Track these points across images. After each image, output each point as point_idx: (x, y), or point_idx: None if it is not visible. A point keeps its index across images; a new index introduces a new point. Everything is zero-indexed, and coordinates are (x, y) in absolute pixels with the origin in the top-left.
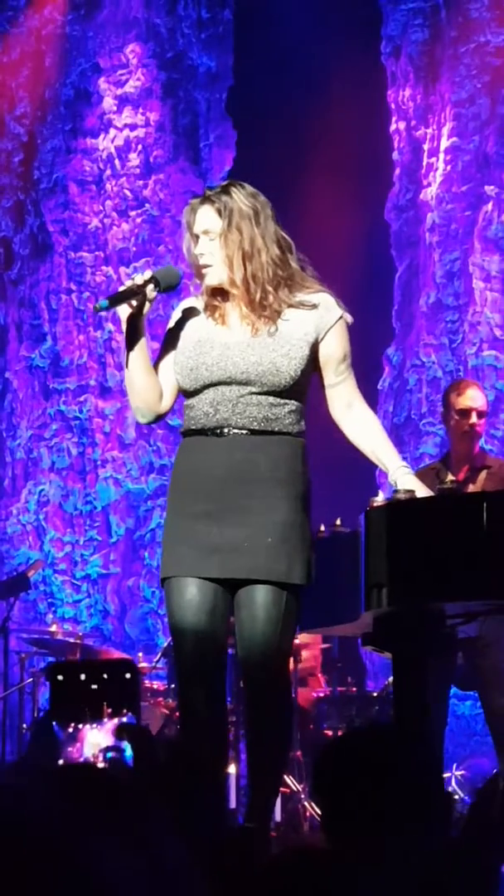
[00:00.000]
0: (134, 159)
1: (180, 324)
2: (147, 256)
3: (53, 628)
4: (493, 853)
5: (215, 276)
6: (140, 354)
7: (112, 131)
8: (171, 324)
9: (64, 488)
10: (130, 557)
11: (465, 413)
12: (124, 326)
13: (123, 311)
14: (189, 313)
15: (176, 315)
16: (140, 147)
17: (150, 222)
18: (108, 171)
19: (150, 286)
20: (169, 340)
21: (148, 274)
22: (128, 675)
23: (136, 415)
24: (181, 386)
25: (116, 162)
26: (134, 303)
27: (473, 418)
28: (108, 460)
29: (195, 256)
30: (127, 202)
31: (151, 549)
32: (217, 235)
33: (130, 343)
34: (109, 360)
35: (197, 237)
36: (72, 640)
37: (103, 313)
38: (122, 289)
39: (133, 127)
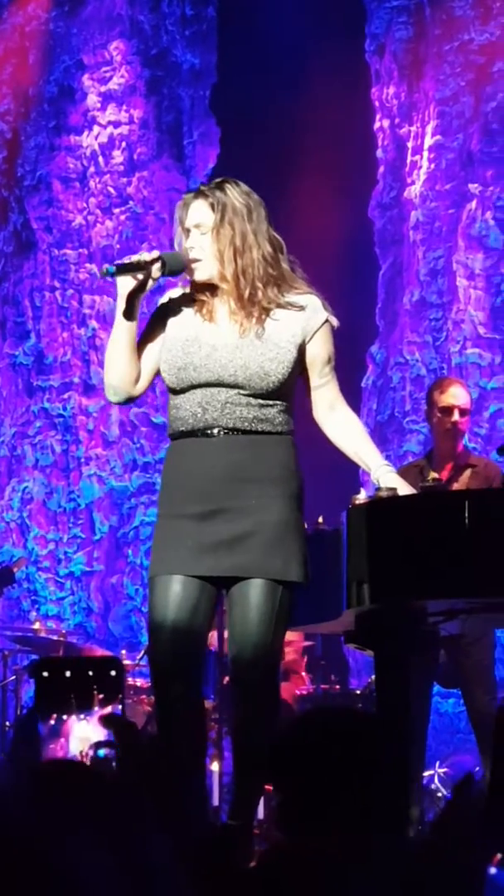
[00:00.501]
0: (118, 156)
1: (166, 313)
2: (131, 254)
3: (37, 626)
4: (470, 852)
5: (205, 270)
6: (128, 332)
7: (96, 128)
8: (157, 311)
9: (48, 486)
10: (114, 555)
11: (448, 411)
12: (121, 300)
13: (125, 283)
14: (176, 304)
15: (163, 301)
16: (124, 144)
17: (133, 219)
18: (92, 169)
19: (157, 265)
20: (153, 328)
21: (156, 254)
22: (113, 673)
23: (107, 392)
24: (167, 384)
25: (100, 159)
26: (139, 277)
27: (456, 416)
28: (92, 458)
29: (186, 250)
30: (111, 199)
31: (135, 547)
32: (209, 230)
33: (120, 319)
34: (93, 357)
35: (188, 231)
36: (55, 637)
37: (109, 279)
38: (129, 260)
39: (117, 124)
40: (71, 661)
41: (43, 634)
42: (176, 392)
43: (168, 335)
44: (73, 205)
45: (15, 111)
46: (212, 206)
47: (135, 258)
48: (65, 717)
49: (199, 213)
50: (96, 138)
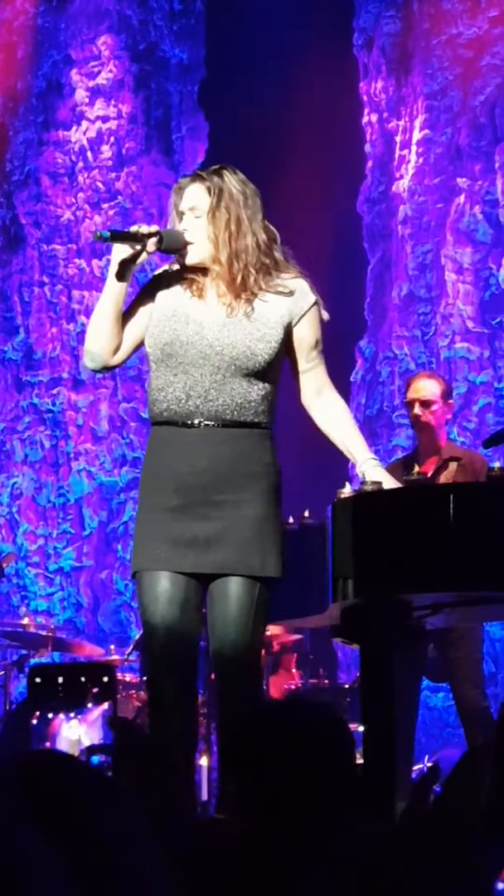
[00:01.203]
0: (106, 151)
1: (155, 289)
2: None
3: (26, 621)
4: (433, 846)
5: (196, 253)
6: (116, 300)
7: (84, 123)
8: (147, 285)
9: (37, 481)
10: (103, 550)
11: (410, 405)
12: (114, 267)
13: (120, 251)
14: (166, 280)
15: (153, 277)
16: (112, 139)
17: (122, 214)
18: (81, 164)
19: (154, 240)
20: (140, 301)
21: (155, 228)
22: (105, 679)
23: (85, 358)
24: (151, 357)
25: (89, 154)
26: (137, 247)
27: (416, 409)
28: (81, 453)
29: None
30: (99, 194)
31: (125, 542)
32: (203, 213)
33: (111, 286)
34: (82, 352)
35: (181, 216)
36: (44, 632)
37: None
38: (127, 230)
39: (105, 119)
40: (64, 667)
41: (32, 630)
42: (158, 366)
43: (156, 310)
44: (61, 200)
45: (3, 106)
46: (208, 189)
47: (133, 228)
48: (57, 715)
49: (194, 196)
50: (84, 133)
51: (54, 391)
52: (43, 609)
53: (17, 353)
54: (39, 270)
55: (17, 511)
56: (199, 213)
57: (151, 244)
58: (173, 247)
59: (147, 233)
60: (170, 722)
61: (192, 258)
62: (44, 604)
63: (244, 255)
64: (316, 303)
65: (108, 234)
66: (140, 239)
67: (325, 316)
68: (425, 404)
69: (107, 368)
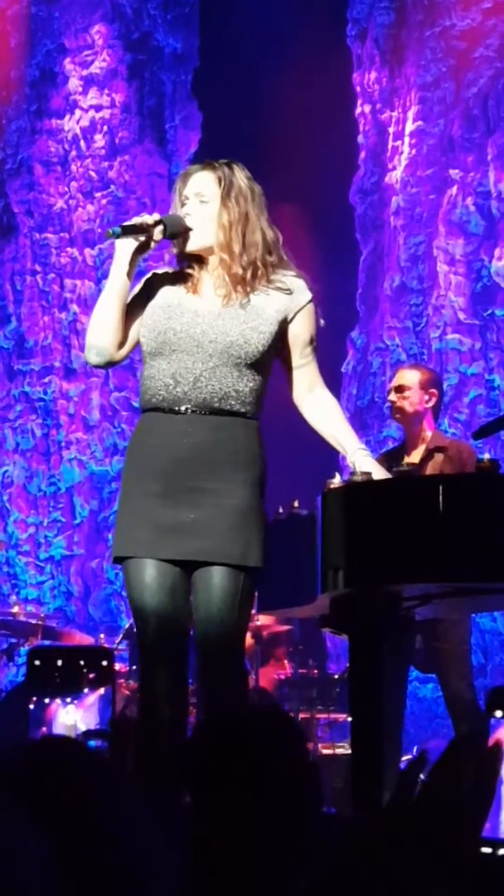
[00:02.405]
0: (99, 140)
1: (152, 284)
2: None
3: (16, 609)
4: (417, 835)
5: (200, 238)
6: (121, 294)
7: (77, 112)
8: (141, 284)
9: (28, 469)
10: (94, 539)
11: (388, 393)
12: (124, 259)
13: (125, 245)
14: (162, 276)
15: (147, 276)
16: (105, 128)
17: (115, 203)
18: (74, 153)
19: (159, 228)
20: (139, 297)
21: (157, 216)
22: (104, 663)
23: (89, 353)
24: (144, 348)
25: (82, 143)
26: (141, 238)
27: (392, 396)
28: (73, 442)
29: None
30: (92, 183)
31: None
32: (211, 199)
33: (115, 280)
34: (74, 341)
35: (185, 200)
36: (34, 621)
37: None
38: (133, 222)
39: (98, 108)
40: (63, 651)
41: (22, 618)
42: (152, 357)
43: (151, 302)
44: (54, 189)
45: None
46: (219, 179)
47: (137, 220)
48: (49, 701)
49: (202, 182)
50: (78, 122)
51: (46, 380)
52: (33, 597)
53: (8, 341)
54: (32, 259)
55: (8, 499)
56: (205, 199)
57: (158, 232)
58: (177, 231)
59: (152, 222)
60: (161, 709)
61: (195, 242)
62: (34, 592)
63: (253, 250)
64: (311, 300)
65: (120, 229)
66: (146, 230)
67: (321, 322)
68: (399, 389)
69: (112, 363)
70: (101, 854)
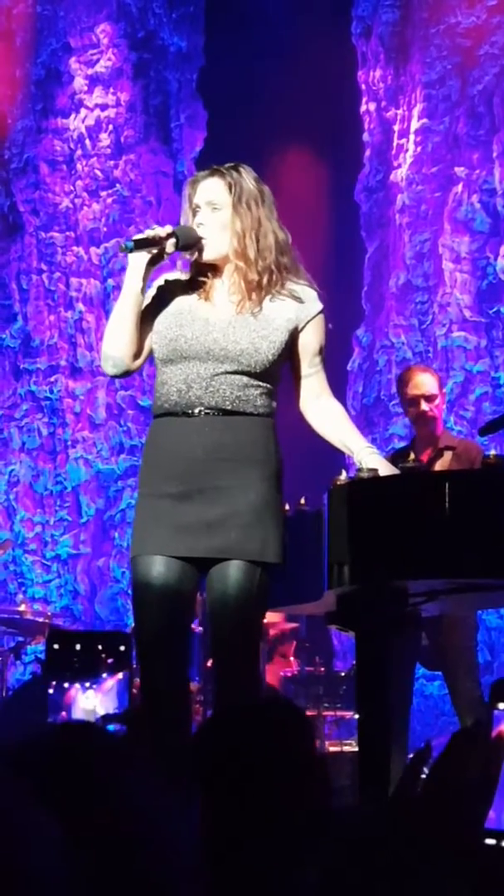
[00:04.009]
0: (105, 139)
1: (162, 292)
2: (118, 237)
3: (23, 608)
4: (422, 827)
5: (215, 247)
6: (135, 305)
7: (83, 111)
8: (153, 291)
9: (34, 468)
10: (101, 538)
11: (414, 402)
12: (137, 272)
13: (139, 258)
14: (174, 283)
15: (158, 283)
16: (111, 127)
17: (120, 202)
18: (79, 151)
19: (171, 241)
20: (150, 307)
21: (169, 228)
22: (122, 648)
23: (105, 364)
24: (157, 355)
25: (87, 142)
26: (153, 251)
27: (423, 405)
28: (79, 440)
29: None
30: (98, 182)
31: (122, 530)
32: (223, 207)
33: (130, 291)
34: (80, 340)
35: (196, 209)
36: (41, 619)
37: (129, 254)
38: (144, 235)
39: (104, 107)
40: (80, 634)
41: (29, 617)
42: (164, 364)
43: (163, 311)
44: (59, 188)
45: (2, 94)
46: (229, 186)
47: (150, 233)
48: (68, 686)
49: (213, 190)
50: (83, 121)
51: (52, 379)
52: (40, 596)
53: (14, 340)
54: (37, 258)
55: (15, 498)
56: (217, 207)
57: (170, 245)
58: (189, 242)
59: (164, 235)
60: (162, 707)
61: (211, 252)
62: (41, 591)
63: (267, 254)
64: (322, 310)
65: (132, 243)
66: (159, 242)
67: (328, 326)
68: (430, 399)
69: (128, 372)
70: (122, 834)
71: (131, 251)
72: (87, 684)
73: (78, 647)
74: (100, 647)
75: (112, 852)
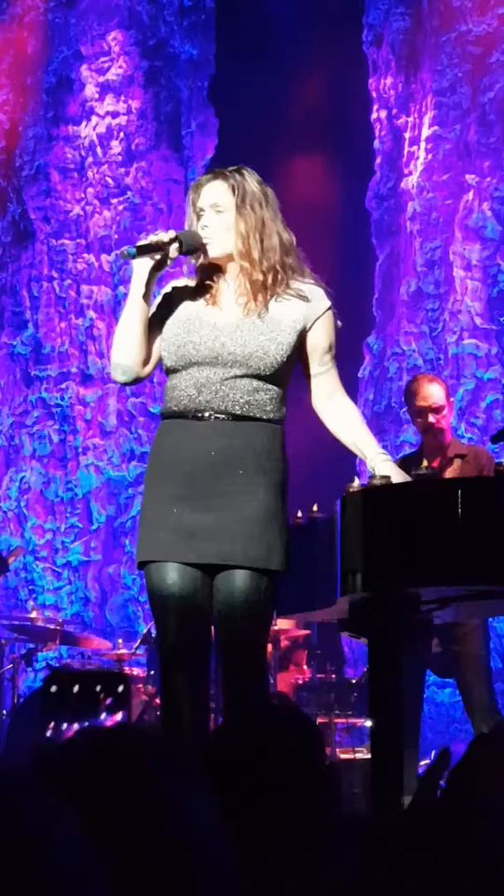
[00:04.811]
0: (116, 147)
1: (169, 299)
2: (129, 244)
3: (34, 615)
4: (441, 835)
5: (218, 247)
6: (142, 312)
7: (94, 119)
8: (160, 298)
9: (45, 475)
10: (111, 544)
11: (422, 413)
12: (142, 279)
13: (143, 264)
14: (181, 289)
15: (165, 290)
16: (122, 135)
17: (131, 210)
18: (90, 159)
19: (174, 245)
20: (157, 314)
21: (172, 233)
22: (120, 689)
23: (115, 372)
24: (166, 363)
25: (98, 149)
26: (157, 257)
27: (430, 418)
28: (90, 447)
29: (198, 231)
30: (108, 190)
31: (132, 537)
32: (227, 209)
33: (136, 298)
34: (91, 347)
35: (199, 213)
36: (52, 626)
37: (132, 260)
38: (147, 241)
39: (115, 114)
40: (78, 675)
41: (40, 624)
42: (173, 371)
43: (171, 317)
44: (70, 195)
45: (13, 101)
46: (232, 188)
47: (153, 238)
48: (66, 727)
49: (216, 192)
50: (94, 129)
51: (63, 386)
52: (51, 603)
53: (25, 347)
54: (48, 265)
55: (26, 505)
56: (220, 209)
57: (173, 250)
58: (193, 247)
59: (167, 240)
60: (182, 714)
61: (213, 252)
62: (52, 598)
63: (272, 255)
64: (330, 308)
65: (135, 250)
66: (162, 247)
67: (338, 324)
68: (437, 411)
69: (138, 380)
70: (161, 836)
71: (133, 257)
72: (86, 725)
73: (76, 688)
74: (98, 687)
75: (151, 854)
